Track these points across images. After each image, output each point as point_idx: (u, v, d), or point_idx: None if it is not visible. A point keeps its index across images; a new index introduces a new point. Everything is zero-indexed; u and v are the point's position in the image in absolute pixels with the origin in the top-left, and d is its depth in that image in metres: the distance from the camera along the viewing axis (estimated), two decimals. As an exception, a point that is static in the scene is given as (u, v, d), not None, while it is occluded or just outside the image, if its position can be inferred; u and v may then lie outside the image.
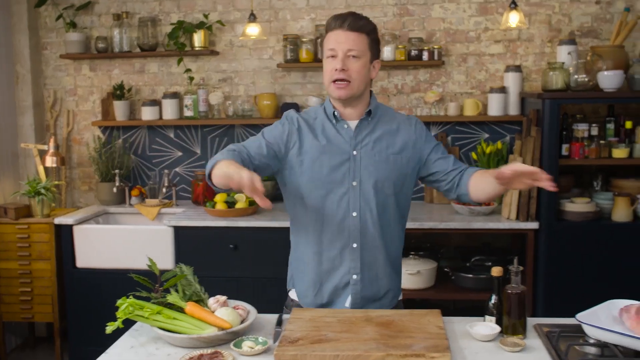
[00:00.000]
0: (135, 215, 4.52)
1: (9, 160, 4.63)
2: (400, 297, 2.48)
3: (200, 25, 4.43)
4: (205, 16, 4.47)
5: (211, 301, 2.18)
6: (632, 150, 3.84)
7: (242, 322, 2.12)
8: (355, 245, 2.31)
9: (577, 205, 3.82)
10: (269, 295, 3.91)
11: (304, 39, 4.36)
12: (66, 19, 4.62)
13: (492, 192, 2.22)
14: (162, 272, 2.26)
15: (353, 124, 2.34)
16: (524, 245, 3.94)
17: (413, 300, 3.98)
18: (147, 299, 2.19)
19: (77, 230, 4.14)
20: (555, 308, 3.75)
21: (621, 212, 3.79)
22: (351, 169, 2.30)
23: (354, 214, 2.30)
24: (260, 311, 2.29)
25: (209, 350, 1.97)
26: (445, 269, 4.06)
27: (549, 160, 3.73)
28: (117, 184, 4.54)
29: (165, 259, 4.01)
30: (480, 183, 2.27)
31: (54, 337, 4.39)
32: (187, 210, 4.36)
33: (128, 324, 2.12)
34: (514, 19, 3.96)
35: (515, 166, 2.02)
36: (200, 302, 2.21)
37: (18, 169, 4.72)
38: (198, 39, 4.45)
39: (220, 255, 3.99)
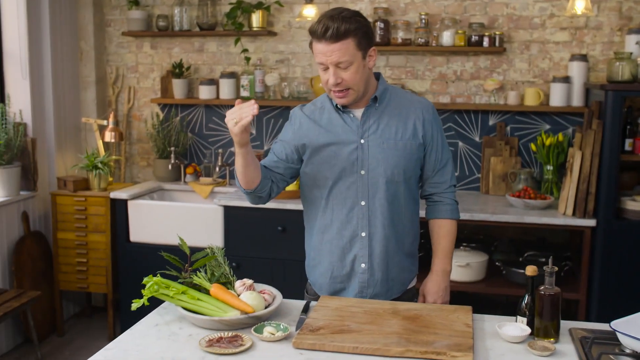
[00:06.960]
0: (189, 192, 4.58)
1: (72, 134, 4.75)
2: (413, 284, 2.45)
3: (259, 6, 4.41)
4: (264, -4, 4.45)
5: (237, 284, 2.16)
6: (702, 148, 3.62)
7: (267, 307, 2.10)
8: (363, 234, 2.30)
9: (638, 204, 3.63)
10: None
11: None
12: (129, -4, 4.69)
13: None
14: (193, 251, 2.26)
15: (359, 112, 2.31)
16: (581, 243, 3.78)
17: (463, 293, 3.89)
18: (175, 278, 2.20)
19: (131, 205, 4.22)
20: (609, 312, 3.59)
21: (686, 213, 3.59)
22: (359, 158, 2.27)
23: (363, 202, 2.29)
24: (300, 295, 2.27)
25: (230, 334, 1.96)
26: (497, 263, 3.95)
27: (610, 155, 3.56)
28: (172, 161, 4.60)
29: (214, 238, 4.04)
30: (433, 237, 2.44)
31: (107, 308, 4.50)
32: (239, 190, 4.36)
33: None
34: (580, 5, 3.77)
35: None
36: (228, 284, 2.20)
37: (80, 143, 4.83)
38: (256, 19, 4.43)
39: (268, 237, 3.99)
